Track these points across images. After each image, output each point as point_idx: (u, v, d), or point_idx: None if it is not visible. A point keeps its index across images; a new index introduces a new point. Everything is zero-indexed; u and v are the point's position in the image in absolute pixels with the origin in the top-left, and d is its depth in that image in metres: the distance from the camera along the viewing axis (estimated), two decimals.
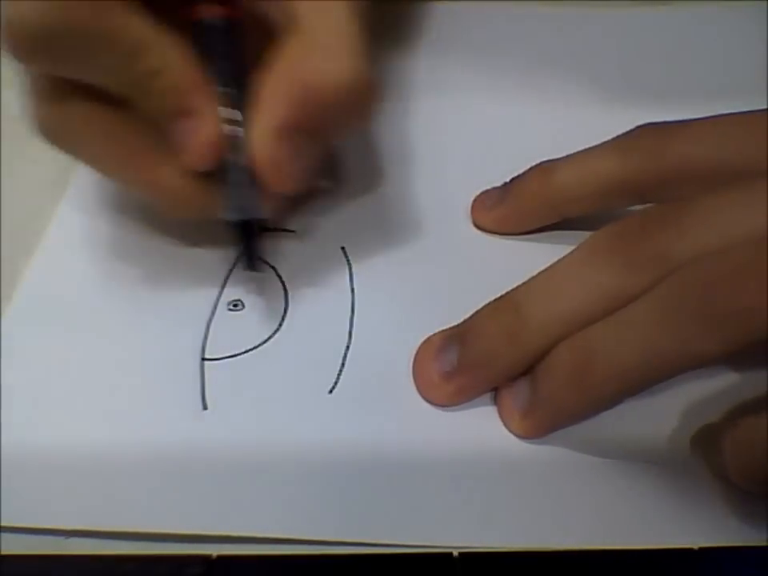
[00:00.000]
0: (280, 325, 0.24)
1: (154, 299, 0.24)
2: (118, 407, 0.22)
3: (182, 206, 0.23)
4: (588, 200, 0.24)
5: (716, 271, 0.18)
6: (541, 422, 0.21)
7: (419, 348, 0.23)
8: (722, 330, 0.18)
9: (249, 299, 0.24)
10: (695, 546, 0.19)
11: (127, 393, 0.22)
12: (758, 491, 0.19)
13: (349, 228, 0.26)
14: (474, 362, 0.21)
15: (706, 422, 0.21)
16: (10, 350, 0.23)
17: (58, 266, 0.26)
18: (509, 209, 0.26)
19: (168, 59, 0.21)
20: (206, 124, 0.21)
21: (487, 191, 0.27)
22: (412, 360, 0.23)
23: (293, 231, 0.26)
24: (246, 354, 0.23)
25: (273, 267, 0.25)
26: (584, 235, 0.21)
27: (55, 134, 0.22)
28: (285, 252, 0.26)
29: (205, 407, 0.22)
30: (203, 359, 0.23)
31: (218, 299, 0.24)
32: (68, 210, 0.27)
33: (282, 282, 0.25)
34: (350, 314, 0.24)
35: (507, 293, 0.22)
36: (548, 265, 0.21)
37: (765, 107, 0.22)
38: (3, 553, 0.19)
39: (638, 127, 0.24)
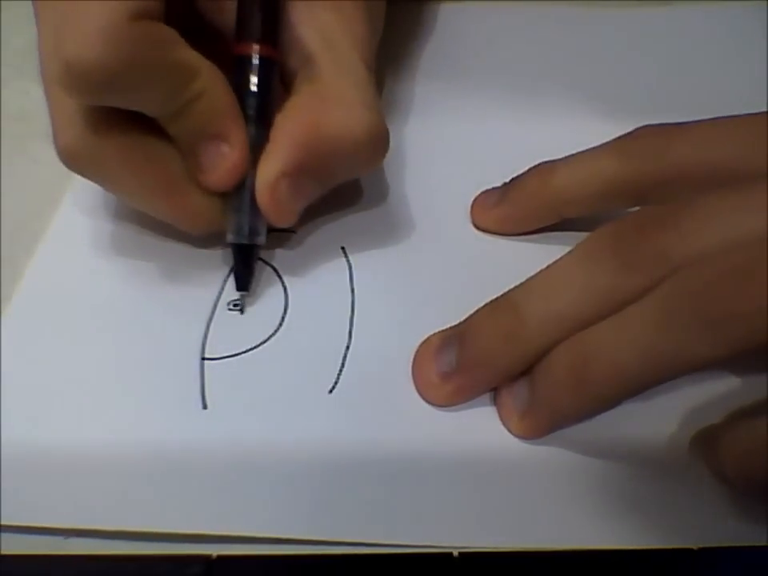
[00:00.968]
0: (280, 325, 0.24)
1: (153, 299, 0.24)
2: (117, 407, 0.22)
3: (204, 226, 0.24)
4: (587, 201, 0.24)
5: (715, 273, 0.18)
6: (539, 423, 0.21)
7: (418, 348, 0.23)
8: (721, 332, 0.17)
9: (249, 299, 0.25)
10: (695, 546, 0.19)
11: (127, 392, 0.22)
12: (757, 493, 0.19)
13: (349, 228, 0.26)
14: (472, 362, 0.21)
15: (706, 423, 0.21)
16: (10, 349, 0.23)
17: (59, 266, 0.26)
18: (508, 209, 0.26)
19: (211, 82, 0.21)
20: (236, 149, 0.22)
21: (487, 191, 0.27)
22: (411, 360, 0.23)
23: (293, 231, 0.26)
24: (245, 354, 0.23)
25: (273, 267, 0.25)
26: (583, 236, 0.21)
27: (88, 163, 0.22)
28: (285, 252, 0.26)
29: (205, 407, 0.22)
30: (203, 359, 0.23)
31: (217, 299, 0.24)
32: (68, 210, 0.27)
33: (282, 282, 0.25)
34: (350, 313, 0.24)
35: (506, 293, 0.22)
36: (547, 265, 0.21)
37: (765, 108, 0.22)
38: (3, 553, 0.19)
39: (638, 128, 0.24)
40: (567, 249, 0.21)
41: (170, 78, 0.20)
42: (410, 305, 0.24)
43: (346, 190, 0.28)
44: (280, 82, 0.24)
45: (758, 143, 0.21)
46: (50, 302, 0.25)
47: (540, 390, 0.21)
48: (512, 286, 0.22)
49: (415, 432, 0.21)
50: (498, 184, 0.26)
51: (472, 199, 0.27)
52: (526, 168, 0.26)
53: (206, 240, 0.25)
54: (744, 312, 0.17)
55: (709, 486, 0.20)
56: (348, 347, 0.23)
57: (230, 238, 0.23)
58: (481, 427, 0.21)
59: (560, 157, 0.25)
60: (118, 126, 0.21)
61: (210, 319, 0.24)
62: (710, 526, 0.19)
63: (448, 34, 0.34)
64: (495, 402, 0.22)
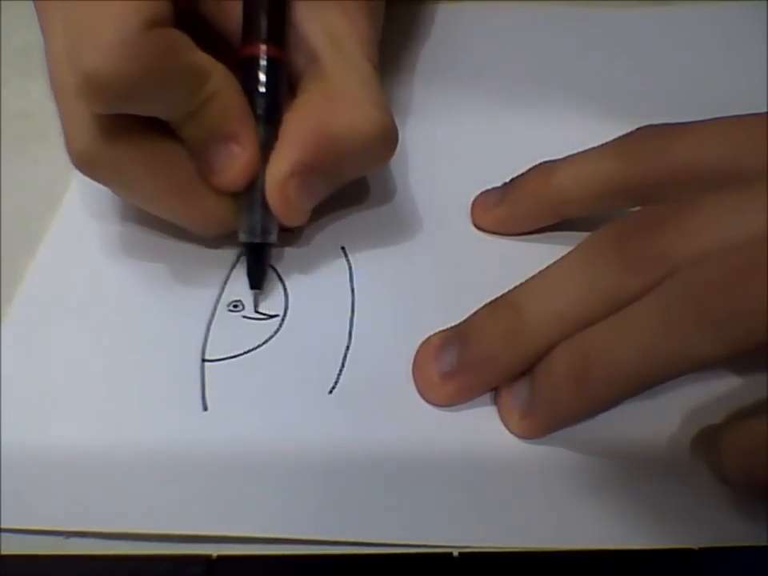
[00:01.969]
0: (280, 325, 0.24)
1: (154, 300, 0.24)
2: (118, 408, 0.22)
3: (216, 228, 0.24)
4: (588, 201, 0.24)
5: (716, 273, 0.18)
6: (540, 423, 0.21)
7: (419, 348, 0.23)
8: (722, 332, 0.17)
9: (249, 299, 0.25)
10: (695, 546, 0.19)
11: (128, 394, 0.22)
12: (758, 493, 0.19)
13: (349, 228, 0.26)
14: (473, 362, 0.21)
15: (706, 423, 0.21)
16: (10, 350, 0.23)
17: (59, 267, 0.25)
18: (509, 209, 0.26)
19: (222, 84, 0.21)
20: (247, 149, 0.22)
21: (487, 191, 0.27)
22: (412, 360, 0.23)
23: (293, 231, 0.26)
24: (246, 355, 0.23)
25: (273, 267, 0.25)
26: (584, 236, 0.21)
27: (103, 168, 0.22)
28: (285, 252, 0.26)
29: (205, 408, 0.22)
30: (203, 360, 0.23)
31: (217, 300, 0.24)
32: (69, 210, 0.27)
33: (282, 282, 0.25)
34: (349, 313, 0.24)
35: (506, 293, 0.22)
36: (547, 265, 0.21)
37: (765, 108, 0.22)
38: (3, 553, 0.19)
39: (638, 129, 0.24)
40: (567, 249, 0.21)
41: (185, 82, 0.21)
42: (410, 305, 0.24)
43: (346, 189, 0.28)
44: (288, 82, 0.24)
45: (758, 143, 0.21)
46: (50, 302, 0.25)
47: (540, 390, 0.21)
48: (512, 286, 0.22)
49: (415, 432, 0.21)
50: (498, 184, 0.26)
51: (472, 199, 0.27)
52: (526, 168, 0.26)
53: (207, 241, 0.25)
54: (744, 311, 0.17)
55: (709, 485, 0.20)
56: (348, 347, 0.23)
57: (242, 237, 0.24)
58: (481, 427, 0.21)
59: (560, 157, 0.25)
60: (131, 130, 0.21)
61: (211, 321, 0.24)
62: (710, 526, 0.19)
63: (448, 34, 0.34)
64: (495, 401, 0.22)
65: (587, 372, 0.19)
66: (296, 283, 0.25)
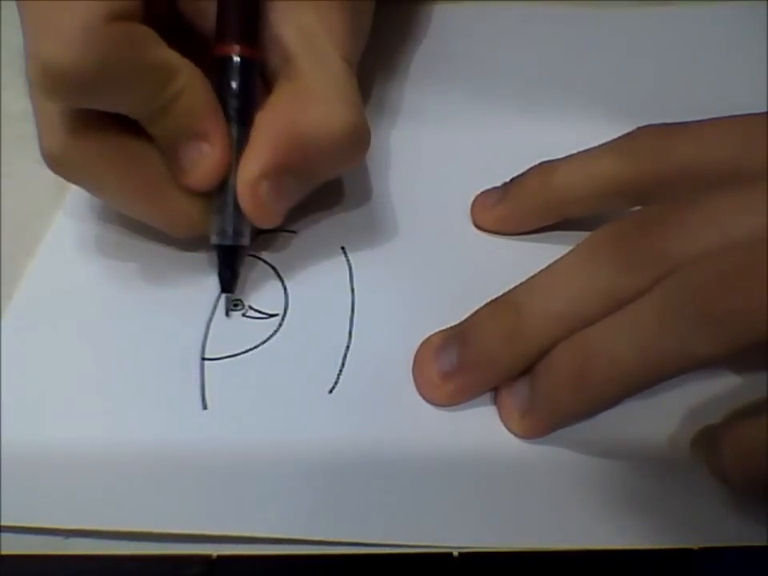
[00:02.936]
0: (280, 325, 0.24)
1: (154, 299, 0.24)
2: (118, 407, 0.22)
3: (187, 229, 0.24)
4: (588, 201, 0.24)
5: (716, 272, 0.18)
6: (540, 422, 0.21)
7: (419, 348, 0.23)
8: (722, 331, 0.18)
9: (249, 299, 0.24)
10: (695, 546, 0.19)
11: (127, 393, 0.22)
12: (758, 493, 0.19)
13: (349, 228, 0.26)
14: (473, 361, 0.21)
15: (706, 423, 0.21)
16: (10, 349, 0.23)
17: (59, 266, 0.25)
18: (509, 209, 0.26)
19: (190, 81, 0.21)
20: (217, 148, 0.22)
21: (487, 191, 0.27)
22: (412, 360, 0.23)
23: (293, 231, 0.26)
24: (246, 354, 0.23)
25: (273, 267, 0.25)
26: (584, 235, 0.21)
27: (68, 165, 0.22)
28: (285, 252, 0.26)
29: (205, 407, 0.22)
30: (203, 359, 0.23)
31: (218, 299, 0.24)
32: (69, 210, 0.27)
33: (282, 282, 0.25)
34: (349, 313, 0.24)
35: (507, 292, 0.22)
36: (548, 264, 0.21)
37: (765, 108, 0.22)
38: (3, 553, 0.19)
39: (639, 128, 0.23)
40: (568, 248, 0.21)
41: (148, 78, 0.20)
42: (410, 305, 0.24)
43: (346, 190, 0.28)
44: (262, 81, 0.23)
45: (758, 143, 0.21)
46: (50, 301, 0.25)
47: (541, 389, 0.21)
48: (512, 286, 0.22)
49: (415, 432, 0.21)
50: (498, 184, 0.26)
51: (472, 199, 0.27)
52: (527, 168, 0.26)
53: (207, 240, 0.25)
54: (744, 310, 0.17)
55: (709, 485, 0.20)
56: (348, 347, 0.23)
57: (213, 239, 0.23)
58: (481, 427, 0.21)
59: (560, 156, 0.25)
60: (99, 128, 0.21)
61: (210, 320, 0.24)
62: (710, 526, 0.19)
63: (448, 34, 0.34)
64: (495, 401, 0.22)
65: (587, 371, 0.19)
66: (296, 283, 0.25)
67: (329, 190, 0.27)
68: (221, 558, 0.19)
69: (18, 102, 0.31)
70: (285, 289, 0.25)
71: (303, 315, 0.24)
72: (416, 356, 0.23)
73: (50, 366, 0.23)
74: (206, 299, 0.24)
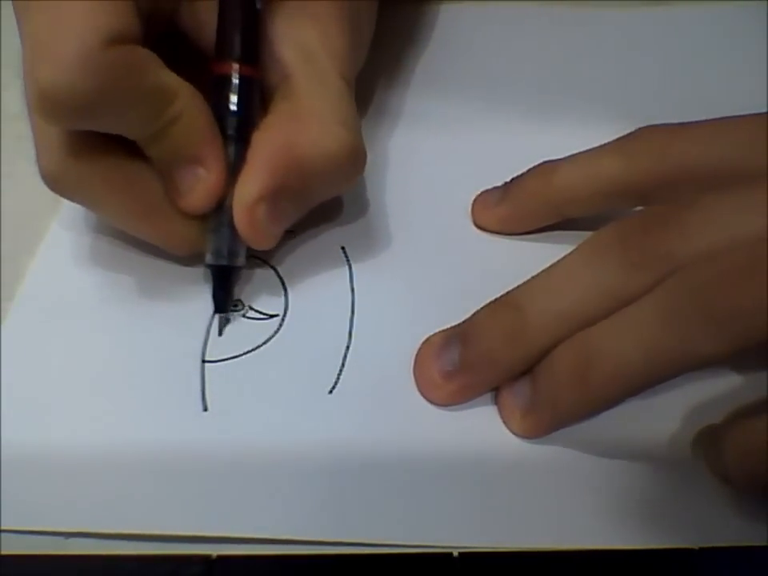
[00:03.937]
0: (280, 325, 0.24)
1: (154, 301, 0.24)
2: (118, 409, 0.22)
3: (184, 248, 0.24)
4: (589, 201, 0.24)
5: (717, 272, 0.18)
6: (541, 422, 0.21)
7: (420, 348, 0.23)
8: (723, 330, 0.18)
9: (249, 300, 0.24)
10: (695, 546, 0.19)
11: (128, 395, 0.22)
12: (759, 493, 0.19)
13: (349, 228, 0.26)
14: (474, 361, 0.21)
15: (707, 422, 0.21)
16: (11, 350, 0.23)
17: (60, 267, 0.25)
18: (509, 208, 0.26)
19: (189, 105, 0.21)
20: (212, 172, 0.22)
21: (488, 191, 0.27)
22: (412, 360, 0.23)
23: (293, 231, 0.26)
24: (246, 356, 0.23)
25: (273, 267, 0.25)
26: (585, 235, 0.21)
27: (65, 184, 0.22)
28: (285, 253, 0.26)
29: (205, 409, 0.22)
30: (203, 361, 0.23)
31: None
32: (70, 210, 0.27)
33: (282, 283, 0.25)
34: (349, 314, 0.24)
35: (508, 292, 0.22)
36: (549, 264, 0.21)
37: (765, 108, 0.22)
38: (3, 553, 0.19)
39: (640, 129, 0.23)
40: (569, 248, 0.21)
41: (147, 102, 0.20)
42: (410, 305, 0.24)
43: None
44: (261, 99, 0.23)
45: (759, 143, 0.21)
46: (50, 302, 0.25)
47: (542, 389, 0.21)
48: (513, 286, 0.22)
49: (416, 432, 0.21)
50: (499, 183, 0.26)
51: (473, 199, 0.27)
52: (527, 167, 0.26)
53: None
54: (746, 309, 0.17)
55: (709, 485, 0.20)
56: (348, 347, 0.23)
57: (208, 258, 0.23)
58: (482, 427, 0.21)
59: (561, 156, 0.25)
60: (98, 149, 0.21)
61: (211, 322, 0.24)
62: (710, 525, 0.19)
63: (449, 34, 0.34)
64: (496, 401, 0.22)
65: (589, 370, 0.19)
66: (296, 283, 0.25)
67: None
68: (221, 558, 0.19)
69: (18, 102, 0.31)
70: (285, 289, 0.25)
71: (303, 316, 0.24)
72: (417, 356, 0.23)
73: (51, 367, 0.23)
74: (206, 302, 0.24)
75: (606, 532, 0.19)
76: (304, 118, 0.22)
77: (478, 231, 0.26)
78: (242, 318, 0.24)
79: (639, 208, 0.24)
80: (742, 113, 0.23)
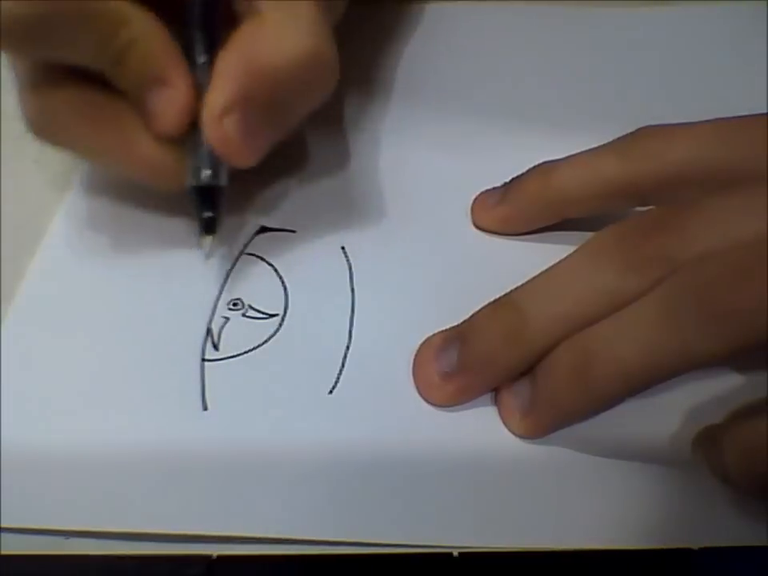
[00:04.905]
0: (280, 324, 0.24)
1: (154, 300, 0.24)
2: (118, 408, 0.22)
3: (163, 177, 0.24)
4: (588, 202, 0.24)
5: (717, 272, 0.18)
6: (541, 422, 0.21)
7: (419, 348, 0.23)
8: (723, 331, 0.18)
9: (249, 299, 0.24)
10: (695, 546, 0.19)
11: (127, 394, 0.22)
12: (759, 493, 0.19)
13: (349, 228, 0.26)
14: (474, 362, 0.21)
15: (707, 422, 0.21)
16: (10, 349, 0.23)
17: (60, 266, 0.25)
18: (509, 209, 0.26)
19: (144, 29, 0.22)
20: (180, 91, 0.22)
21: (488, 191, 0.27)
22: (412, 360, 0.23)
23: (293, 231, 0.26)
24: (245, 355, 0.23)
25: (273, 267, 0.25)
26: (585, 236, 0.21)
27: (44, 125, 0.23)
28: (285, 252, 0.26)
29: (205, 408, 0.22)
30: (203, 360, 0.23)
31: (217, 299, 0.24)
32: (69, 210, 0.27)
33: (282, 282, 0.25)
34: (349, 313, 0.24)
35: (508, 293, 0.22)
36: (549, 265, 0.21)
37: (765, 108, 0.22)
38: (3, 553, 0.19)
39: (639, 129, 0.23)
40: (568, 249, 0.21)
41: (95, 27, 0.21)
42: (410, 305, 0.24)
43: (347, 190, 0.28)
44: (229, 23, 0.23)
45: (759, 144, 0.21)
46: (50, 302, 0.25)
47: (542, 389, 0.21)
48: (513, 286, 0.22)
49: (416, 432, 0.21)
50: (499, 184, 0.26)
51: (472, 199, 0.27)
52: (526, 168, 0.26)
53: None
54: (745, 309, 0.17)
55: (709, 485, 0.20)
56: (348, 347, 0.23)
57: (189, 181, 0.23)
58: (482, 427, 0.21)
59: (560, 157, 0.25)
60: (69, 86, 0.22)
61: (210, 321, 0.24)
62: (710, 526, 0.19)
63: (449, 33, 0.34)
64: (496, 401, 0.22)
65: (588, 370, 0.19)
66: (296, 283, 0.25)
67: (329, 190, 0.27)
68: (221, 558, 0.19)
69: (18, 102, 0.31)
70: (285, 289, 0.25)
71: (303, 315, 0.24)
72: (416, 356, 0.23)
73: (50, 366, 0.23)
74: (205, 300, 0.24)
75: (606, 532, 0.19)
76: (267, 29, 0.22)
77: (478, 232, 0.26)
78: (242, 317, 0.24)
79: (639, 209, 0.24)
80: (742, 113, 0.23)
